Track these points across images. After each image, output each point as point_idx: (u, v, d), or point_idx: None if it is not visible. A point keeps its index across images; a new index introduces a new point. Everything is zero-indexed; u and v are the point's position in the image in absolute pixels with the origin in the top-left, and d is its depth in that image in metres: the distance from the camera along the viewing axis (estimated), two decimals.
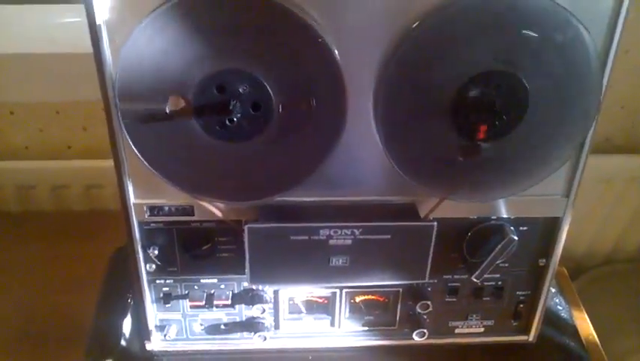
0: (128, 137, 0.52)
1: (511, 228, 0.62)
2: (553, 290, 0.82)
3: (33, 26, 0.98)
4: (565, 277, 0.88)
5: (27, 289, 0.91)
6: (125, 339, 0.72)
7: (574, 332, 0.78)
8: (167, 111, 0.49)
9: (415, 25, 0.50)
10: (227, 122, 0.51)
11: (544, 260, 0.66)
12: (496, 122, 0.52)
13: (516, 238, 0.60)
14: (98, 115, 0.72)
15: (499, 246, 0.60)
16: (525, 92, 0.52)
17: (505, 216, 0.62)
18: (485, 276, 0.63)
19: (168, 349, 0.69)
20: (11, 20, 0.98)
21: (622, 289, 1.19)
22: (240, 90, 0.50)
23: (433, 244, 0.58)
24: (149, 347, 0.69)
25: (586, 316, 0.84)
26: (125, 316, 0.73)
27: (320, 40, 0.49)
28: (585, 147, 0.58)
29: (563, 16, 0.50)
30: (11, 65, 0.94)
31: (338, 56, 0.50)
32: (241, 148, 0.53)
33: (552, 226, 0.63)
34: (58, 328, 0.85)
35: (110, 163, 0.56)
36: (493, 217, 0.62)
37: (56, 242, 1.00)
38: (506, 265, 0.65)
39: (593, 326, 0.84)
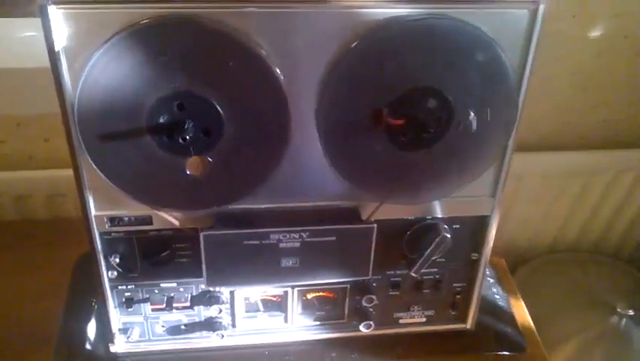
0: (88, 155, 0.56)
1: (445, 226, 0.67)
2: (491, 280, 0.88)
3: None
4: (503, 268, 0.95)
5: None
6: (90, 342, 0.75)
7: (511, 319, 0.84)
8: (188, 172, 0.54)
9: (353, 45, 0.55)
10: (180, 139, 0.55)
11: (476, 254, 0.72)
12: (425, 134, 0.58)
13: (449, 235, 0.66)
14: (58, 126, 0.74)
15: (434, 243, 0.65)
16: (450, 106, 0.57)
17: (439, 216, 0.68)
18: (424, 270, 0.68)
19: (132, 350, 0.73)
20: None
21: (561, 277, 1.27)
22: (192, 110, 0.54)
23: (374, 243, 0.64)
24: (113, 349, 0.72)
25: (522, 304, 0.90)
26: (89, 320, 0.76)
27: (263, 62, 0.54)
28: (507, 152, 0.63)
29: (481, 38, 0.55)
30: None
31: (281, 76, 0.55)
32: None
33: (481, 223, 0.69)
34: (24, 334, 0.87)
35: (72, 172, 0.59)
36: (428, 217, 0.68)
37: (20, 250, 1.01)
38: (443, 260, 0.70)
39: (535, 312, 0.90)
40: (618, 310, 1.16)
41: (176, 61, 0.53)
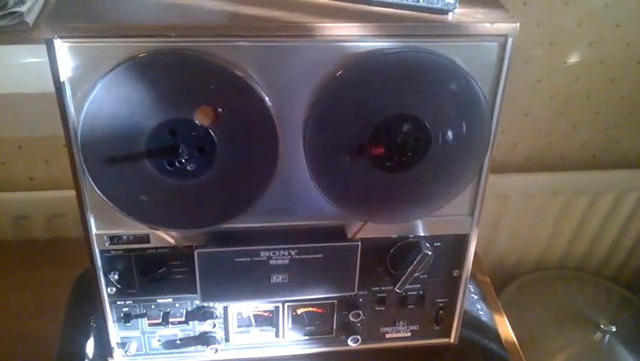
0: (89, 177, 0.59)
1: (427, 244, 0.70)
2: (475, 297, 0.91)
3: None
4: (488, 285, 0.98)
5: None
6: (89, 358, 0.77)
7: (495, 335, 0.86)
8: (197, 123, 0.56)
9: (338, 74, 0.58)
10: (176, 163, 0.59)
11: (457, 271, 0.74)
12: (405, 157, 0.62)
13: (430, 252, 0.69)
14: (59, 149, 0.77)
15: (416, 260, 0.68)
16: (427, 131, 0.61)
17: (421, 234, 0.71)
18: (407, 286, 0.71)
19: None
20: None
21: (547, 295, 1.30)
22: (187, 136, 0.58)
23: (359, 260, 0.67)
24: None
25: (506, 320, 0.92)
26: (88, 335, 0.78)
27: (253, 92, 0.57)
28: (483, 174, 0.67)
29: (455, 69, 0.59)
30: None
31: (270, 104, 0.58)
32: (189, 184, 0.60)
33: (461, 241, 0.72)
34: (24, 351, 0.88)
35: (71, 193, 0.62)
36: (411, 235, 0.70)
37: (19, 269, 1.02)
38: (425, 276, 0.73)
39: (522, 328, 0.93)
40: (601, 326, 1.19)
41: (171, 91, 0.56)
